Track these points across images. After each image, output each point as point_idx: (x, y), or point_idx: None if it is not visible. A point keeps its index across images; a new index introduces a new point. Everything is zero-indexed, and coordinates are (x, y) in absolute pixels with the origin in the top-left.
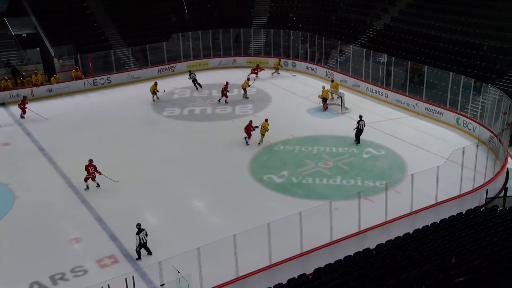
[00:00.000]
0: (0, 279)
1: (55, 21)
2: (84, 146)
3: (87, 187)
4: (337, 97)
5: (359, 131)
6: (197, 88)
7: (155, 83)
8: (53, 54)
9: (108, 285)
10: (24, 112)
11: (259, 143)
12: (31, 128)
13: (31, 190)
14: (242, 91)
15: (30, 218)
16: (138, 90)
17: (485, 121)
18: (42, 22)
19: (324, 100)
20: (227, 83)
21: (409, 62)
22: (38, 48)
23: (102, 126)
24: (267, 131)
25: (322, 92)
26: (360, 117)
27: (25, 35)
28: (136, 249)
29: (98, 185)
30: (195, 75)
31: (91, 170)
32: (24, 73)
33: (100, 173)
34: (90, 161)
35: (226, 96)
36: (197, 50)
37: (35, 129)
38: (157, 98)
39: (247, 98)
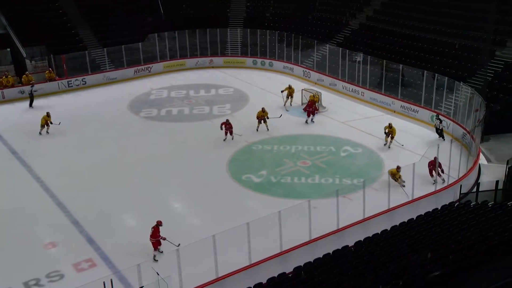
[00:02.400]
0: None
1: (26, 21)
2: (59, 149)
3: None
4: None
5: (438, 131)
6: (31, 104)
7: (48, 114)
8: (24, 55)
9: None
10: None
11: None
12: (2, 130)
13: (4, 194)
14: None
15: (3, 223)
16: (114, 92)
17: (458, 118)
18: (12, 22)
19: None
20: (311, 101)
21: (384, 60)
22: (8, 49)
23: (77, 128)
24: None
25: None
26: (437, 116)
27: None
28: None
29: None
30: (34, 89)
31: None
32: None
33: (164, 239)
34: (158, 223)
35: (313, 114)
36: (174, 51)
37: (6, 131)
38: (47, 132)
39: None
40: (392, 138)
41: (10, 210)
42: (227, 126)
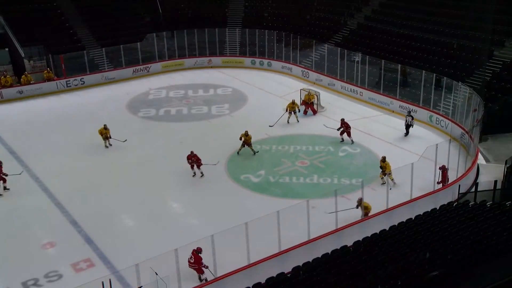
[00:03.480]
0: None
1: (24, 21)
2: (57, 149)
3: None
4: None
5: (407, 125)
6: None
7: (105, 126)
8: (23, 55)
9: None
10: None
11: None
12: (1, 130)
13: (2, 194)
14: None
15: (1, 223)
16: (112, 91)
17: (456, 118)
18: (10, 21)
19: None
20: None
21: (382, 60)
22: (6, 49)
23: (76, 128)
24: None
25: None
26: (408, 112)
27: None
28: None
29: None
30: None
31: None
32: None
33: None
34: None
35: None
36: (172, 50)
37: (5, 131)
38: (110, 144)
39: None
40: (384, 174)
41: (9, 210)
42: (193, 159)
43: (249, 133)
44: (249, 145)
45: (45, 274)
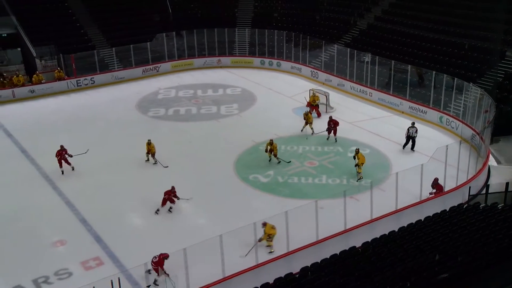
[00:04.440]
0: None
1: (36, 21)
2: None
3: None
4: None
5: (407, 138)
6: None
7: (148, 142)
8: (34, 54)
9: (94, 287)
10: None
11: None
12: (12, 129)
13: (13, 192)
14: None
15: (12, 221)
16: (122, 91)
17: (467, 119)
18: (23, 22)
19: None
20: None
21: (392, 61)
22: (19, 49)
23: (85, 127)
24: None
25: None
26: (412, 124)
27: (5, 35)
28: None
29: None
30: None
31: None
32: (5, 74)
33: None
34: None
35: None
36: (182, 50)
37: (16, 130)
38: (154, 162)
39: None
40: (358, 166)
41: (20, 209)
42: (170, 195)
43: (273, 142)
44: (275, 155)
45: (55, 272)
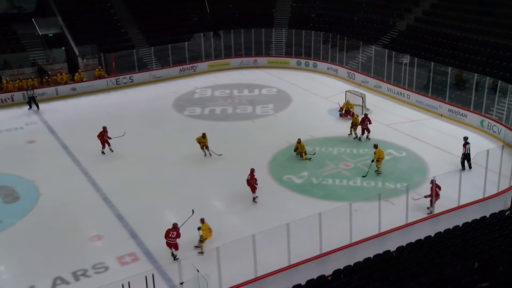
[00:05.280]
0: (24, 273)
1: (80, 21)
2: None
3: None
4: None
5: (465, 156)
6: (31, 107)
7: (203, 135)
8: (77, 53)
9: (128, 282)
10: (105, 145)
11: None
12: (55, 126)
13: (54, 187)
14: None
15: (53, 215)
16: (159, 90)
17: (511, 123)
18: (68, 22)
19: (347, 111)
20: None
21: (432, 63)
22: (63, 48)
23: (123, 125)
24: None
25: (344, 104)
26: (465, 139)
27: (51, 35)
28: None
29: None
30: (33, 92)
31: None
32: (49, 72)
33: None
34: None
35: (368, 131)
36: (218, 50)
37: (58, 127)
38: (210, 154)
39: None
40: (302, 154)
41: (61, 203)
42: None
43: (301, 140)
44: (300, 153)
45: (93, 266)
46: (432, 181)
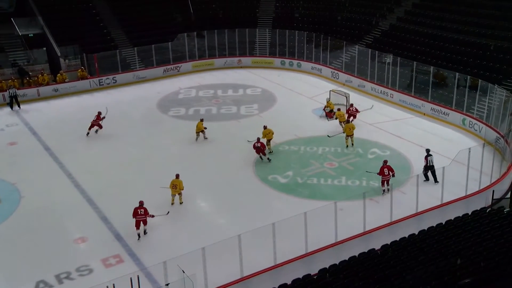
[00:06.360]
0: (6, 277)
1: (61, 21)
2: (89, 146)
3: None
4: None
5: (427, 168)
6: (12, 107)
7: (201, 120)
8: (59, 54)
9: (113, 284)
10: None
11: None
12: (37, 127)
13: (37, 189)
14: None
15: (36, 217)
16: (143, 90)
17: (491, 122)
18: (49, 22)
19: (330, 111)
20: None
21: (414, 62)
22: (44, 48)
23: (107, 126)
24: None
25: (327, 103)
26: (428, 151)
27: (31, 35)
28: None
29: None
30: (15, 91)
31: (140, 212)
32: (30, 73)
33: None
34: (141, 202)
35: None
36: (202, 50)
37: (41, 128)
38: (205, 138)
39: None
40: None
41: (43, 206)
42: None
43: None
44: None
45: (77, 268)
46: (384, 161)
